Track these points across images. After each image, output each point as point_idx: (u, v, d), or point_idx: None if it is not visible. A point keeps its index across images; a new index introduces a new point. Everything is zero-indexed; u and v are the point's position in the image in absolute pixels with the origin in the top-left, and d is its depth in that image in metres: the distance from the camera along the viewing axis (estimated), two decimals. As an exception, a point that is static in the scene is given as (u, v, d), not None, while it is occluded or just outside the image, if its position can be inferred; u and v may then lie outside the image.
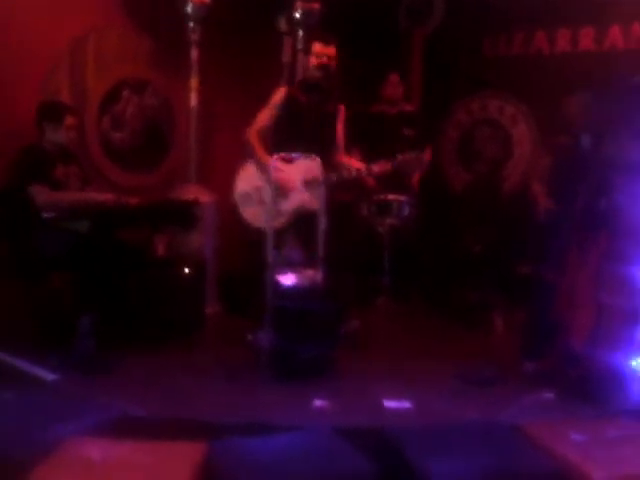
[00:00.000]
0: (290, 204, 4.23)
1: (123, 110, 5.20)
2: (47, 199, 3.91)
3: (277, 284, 3.79)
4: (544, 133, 5.52)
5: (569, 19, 5.75)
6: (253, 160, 4.29)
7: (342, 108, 4.46)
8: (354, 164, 4.42)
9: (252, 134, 4.29)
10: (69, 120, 4.12)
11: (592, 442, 2.71)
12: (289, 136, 4.26)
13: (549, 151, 4.25)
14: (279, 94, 4.34)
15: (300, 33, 5.52)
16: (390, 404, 3.32)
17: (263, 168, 4.18)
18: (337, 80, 4.43)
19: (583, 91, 4.11)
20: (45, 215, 3.92)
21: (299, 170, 4.21)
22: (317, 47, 4.32)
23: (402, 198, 4.83)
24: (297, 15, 5.51)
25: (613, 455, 2.61)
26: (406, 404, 3.32)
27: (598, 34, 5.65)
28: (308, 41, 4.62)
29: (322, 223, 3.97)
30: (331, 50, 4.30)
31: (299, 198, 4.25)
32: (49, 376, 3.48)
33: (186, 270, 4.49)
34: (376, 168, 4.28)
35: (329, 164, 4.21)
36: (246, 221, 4.30)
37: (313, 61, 4.31)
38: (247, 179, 4.32)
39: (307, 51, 4.44)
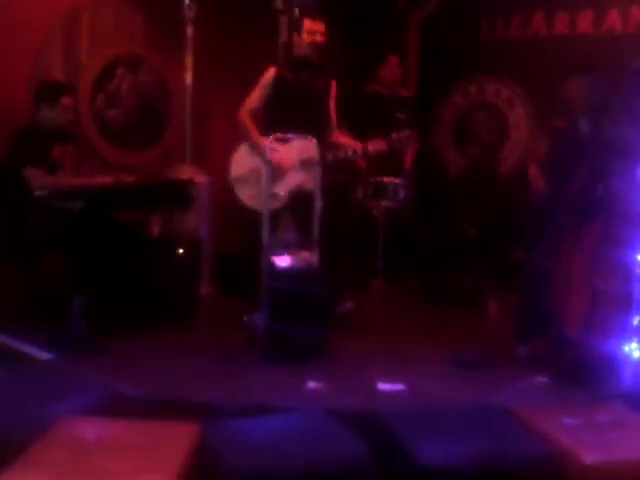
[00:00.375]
0: (286, 185, 4.21)
1: (117, 87, 5.16)
2: (42, 183, 3.87)
3: (272, 265, 3.79)
4: (541, 117, 5.51)
5: (568, 2, 5.71)
6: (247, 142, 4.27)
7: (334, 84, 4.41)
8: (349, 143, 4.37)
9: (244, 115, 4.25)
10: (65, 100, 4.07)
11: (584, 426, 2.72)
12: (281, 116, 4.22)
13: (547, 135, 4.23)
14: (268, 74, 4.30)
15: (296, 12, 5.46)
16: (384, 386, 3.33)
17: (258, 149, 4.15)
18: (327, 57, 4.37)
19: (582, 74, 4.07)
20: (38, 194, 3.89)
21: (295, 150, 4.18)
22: (307, 24, 4.27)
23: (397, 181, 4.81)
24: (294, -6, 5.46)
25: (604, 439, 2.62)
26: (400, 386, 3.33)
27: (596, 18, 5.62)
28: (299, 19, 4.56)
29: (317, 204, 3.96)
30: (321, 26, 4.25)
31: (295, 179, 4.22)
32: (43, 355, 3.48)
33: (181, 250, 4.48)
34: (371, 147, 4.23)
35: (324, 143, 4.19)
36: (242, 202, 4.27)
37: (305, 38, 4.26)
38: (242, 160, 4.29)
39: (298, 29, 4.38)
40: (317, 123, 4.24)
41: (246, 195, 4.24)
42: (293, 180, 4.21)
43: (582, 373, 3.35)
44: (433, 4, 6.22)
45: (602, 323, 3.45)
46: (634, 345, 3.40)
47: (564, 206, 3.85)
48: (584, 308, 3.52)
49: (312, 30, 4.23)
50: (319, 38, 4.23)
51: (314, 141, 4.01)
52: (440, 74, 6.19)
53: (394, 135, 4.22)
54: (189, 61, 5.14)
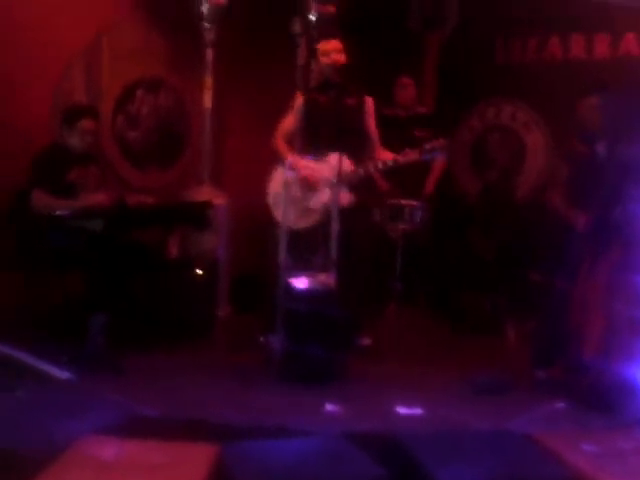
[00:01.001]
0: (320, 200, 4.23)
1: (138, 109, 5.22)
2: (43, 203, 3.91)
3: (289, 287, 3.80)
4: (558, 141, 5.50)
5: (583, 25, 5.73)
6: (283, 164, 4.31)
7: (369, 101, 4.40)
8: (383, 155, 4.32)
9: (278, 139, 4.35)
10: (84, 124, 4.12)
11: (604, 453, 2.70)
12: (316, 137, 4.29)
13: (565, 159, 4.20)
14: (298, 99, 4.36)
15: (315, 36, 5.50)
16: (402, 410, 3.32)
17: (292, 168, 4.18)
18: (350, 73, 4.36)
19: (595, 94, 4.06)
20: (59, 213, 3.93)
21: (328, 167, 4.20)
22: (323, 45, 4.31)
23: (415, 203, 4.82)
24: (312, 17, 5.50)
25: (625, 467, 2.60)
26: (417, 410, 3.32)
27: (613, 41, 5.63)
28: (313, 44, 4.59)
29: (335, 226, 3.98)
30: (336, 44, 4.27)
31: (328, 195, 4.21)
32: (62, 374, 3.49)
33: (198, 271, 4.50)
34: (402, 158, 4.20)
35: (365, 159, 4.22)
36: (277, 221, 4.28)
37: (325, 60, 4.29)
38: (279, 180, 4.32)
39: (313, 55, 4.41)
40: (352, 141, 4.24)
41: (281, 213, 4.27)
42: (326, 196, 4.23)
43: (601, 399, 3.31)
44: (450, 26, 6.23)
45: (621, 347, 3.42)
46: (654, 371, 3.37)
47: (583, 229, 3.83)
48: (603, 333, 3.50)
49: (326, 51, 4.27)
50: (335, 56, 4.25)
51: (346, 158, 4.05)
52: (456, 97, 6.20)
53: (427, 144, 4.21)
54: (208, 83, 5.19)
